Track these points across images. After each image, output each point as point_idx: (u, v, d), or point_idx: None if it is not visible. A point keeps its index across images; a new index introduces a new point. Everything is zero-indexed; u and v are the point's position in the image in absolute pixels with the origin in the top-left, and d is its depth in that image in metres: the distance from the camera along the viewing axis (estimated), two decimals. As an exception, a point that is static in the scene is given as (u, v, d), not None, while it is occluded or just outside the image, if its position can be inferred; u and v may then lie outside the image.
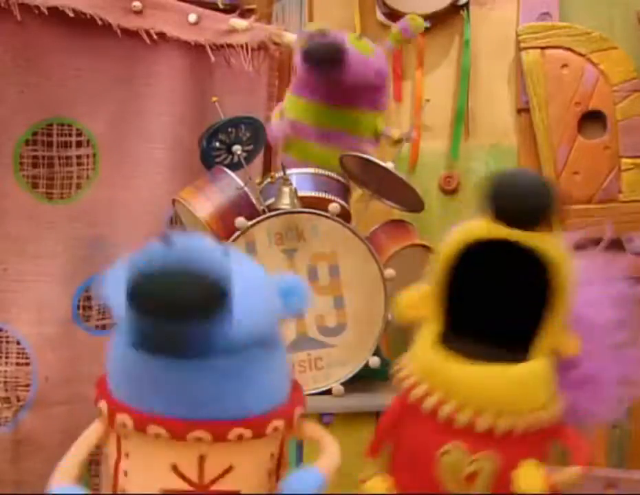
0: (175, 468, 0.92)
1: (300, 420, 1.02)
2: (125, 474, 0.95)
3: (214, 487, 0.93)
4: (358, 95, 1.67)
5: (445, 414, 1.05)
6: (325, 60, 1.56)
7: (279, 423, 0.95)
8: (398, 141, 1.77)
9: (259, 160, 1.83)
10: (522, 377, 1.05)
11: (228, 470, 0.93)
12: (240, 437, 0.91)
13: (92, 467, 1.77)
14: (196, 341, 0.85)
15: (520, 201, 1.03)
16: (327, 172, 1.65)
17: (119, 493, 0.97)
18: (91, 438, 0.98)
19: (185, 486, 0.92)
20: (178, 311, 0.79)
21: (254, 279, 0.95)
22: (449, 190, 2.06)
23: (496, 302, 1.12)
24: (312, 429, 1.06)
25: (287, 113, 1.71)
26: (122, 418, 0.92)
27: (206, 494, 0.92)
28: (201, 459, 0.92)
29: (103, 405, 0.97)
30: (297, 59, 1.65)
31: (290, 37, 1.94)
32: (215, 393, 0.90)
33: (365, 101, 1.69)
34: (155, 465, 0.92)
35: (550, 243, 1.05)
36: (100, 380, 1.01)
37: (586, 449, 1.07)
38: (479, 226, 1.08)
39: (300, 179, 1.61)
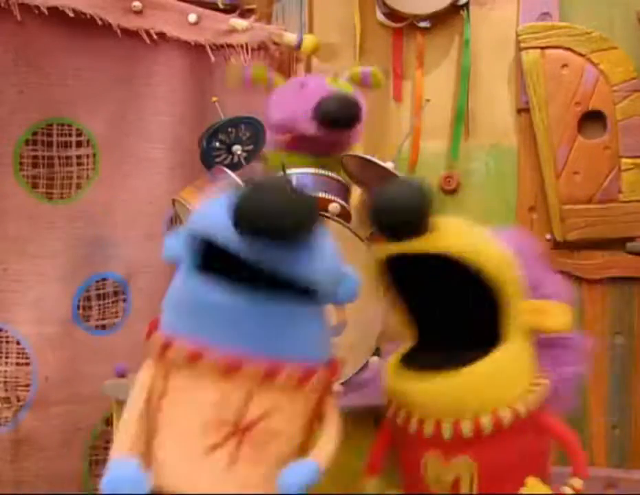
0: (221, 403, 0.92)
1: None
2: (166, 409, 0.95)
3: (257, 426, 0.94)
4: (345, 139, 1.66)
5: (414, 429, 1.08)
6: (349, 122, 1.56)
7: (322, 377, 0.97)
8: None
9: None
10: (475, 377, 1.05)
11: (268, 414, 0.94)
12: (288, 380, 0.93)
13: (92, 467, 1.78)
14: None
15: (395, 217, 1.03)
16: (327, 172, 1.65)
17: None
18: (145, 387, 0.96)
19: (225, 423, 0.93)
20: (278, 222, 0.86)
21: (331, 242, 0.99)
22: (449, 190, 2.06)
23: (446, 308, 1.13)
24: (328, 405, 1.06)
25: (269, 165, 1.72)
26: (178, 348, 0.92)
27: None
28: (248, 397, 0.92)
29: (156, 337, 0.96)
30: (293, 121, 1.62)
31: (290, 37, 1.95)
32: (272, 331, 0.92)
33: (347, 141, 1.68)
34: (200, 399, 0.92)
35: (461, 241, 1.05)
36: (152, 320, 1.00)
37: (578, 448, 1.07)
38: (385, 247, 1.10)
39: (300, 179, 1.61)
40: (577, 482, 1.06)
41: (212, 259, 0.94)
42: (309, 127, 1.59)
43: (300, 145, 1.64)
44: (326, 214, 1.51)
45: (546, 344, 1.13)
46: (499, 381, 1.06)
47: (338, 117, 1.55)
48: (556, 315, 1.08)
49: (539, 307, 1.08)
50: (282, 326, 0.93)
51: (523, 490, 1.06)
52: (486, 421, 1.04)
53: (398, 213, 1.02)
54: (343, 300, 1.02)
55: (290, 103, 1.64)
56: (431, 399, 1.06)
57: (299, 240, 0.89)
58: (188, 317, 0.94)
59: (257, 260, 0.89)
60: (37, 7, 1.63)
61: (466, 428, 1.04)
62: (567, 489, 1.06)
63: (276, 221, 0.86)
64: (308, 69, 2.11)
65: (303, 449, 1.00)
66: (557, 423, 1.09)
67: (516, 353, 1.08)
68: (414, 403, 1.08)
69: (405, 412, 1.10)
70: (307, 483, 0.93)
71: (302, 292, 0.93)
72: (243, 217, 0.87)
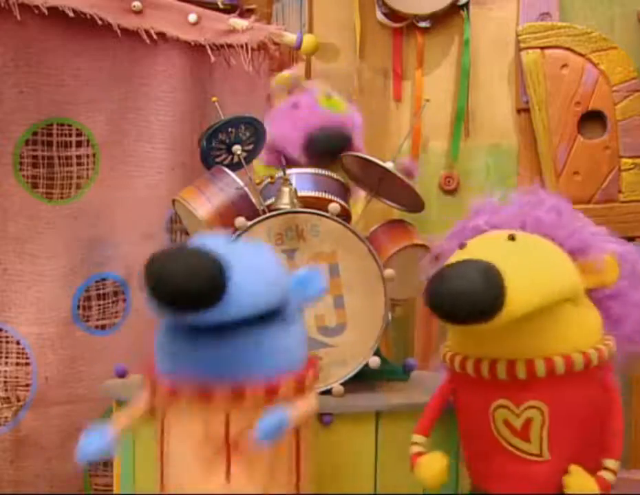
0: (206, 427, 1.02)
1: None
2: (166, 442, 1.07)
3: (242, 443, 1.02)
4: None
5: (485, 373, 1.10)
6: (337, 151, 1.64)
7: (289, 385, 1.05)
8: None
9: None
10: (549, 321, 1.08)
11: (248, 429, 1.00)
12: (255, 396, 1.02)
13: (92, 467, 1.78)
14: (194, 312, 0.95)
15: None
16: (327, 172, 1.65)
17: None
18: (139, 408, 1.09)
19: (214, 444, 1.02)
20: (175, 297, 0.92)
21: (254, 262, 1.04)
22: (449, 190, 2.06)
23: None
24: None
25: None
26: (159, 390, 1.04)
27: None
28: (226, 418, 1.02)
29: (145, 378, 1.08)
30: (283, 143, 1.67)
31: (290, 37, 1.94)
32: (231, 358, 1.01)
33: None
34: (189, 427, 1.03)
35: None
36: (148, 361, 1.10)
37: (621, 426, 1.10)
38: None
39: (300, 179, 1.61)
40: (613, 464, 1.09)
41: None
42: (298, 154, 1.66)
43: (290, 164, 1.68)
44: (326, 214, 1.51)
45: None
46: (571, 327, 1.09)
47: (326, 152, 1.64)
48: (607, 270, 1.14)
49: (590, 267, 1.14)
50: (241, 351, 1.02)
51: (568, 478, 1.08)
52: (559, 361, 1.06)
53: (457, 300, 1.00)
54: (312, 299, 1.11)
55: (281, 125, 1.69)
56: (510, 340, 1.07)
57: (210, 305, 0.94)
58: (164, 358, 1.06)
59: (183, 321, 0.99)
60: (37, 7, 1.64)
61: (540, 369, 1.06)
62: (607, 474, 1.09)
63: (185, 294, 0.91)
64: (308, 69, 2.11)
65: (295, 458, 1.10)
66: (617, 390, 1.12)
67: (584, 308, 1.12)
68: (489, 349, 1.10)
69: (475, 358, 1.12)
70: (276, 430, 0.98)
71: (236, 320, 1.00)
72: (158, 293, 0.92)
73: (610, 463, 1.09)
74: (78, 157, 1.77)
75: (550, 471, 1.10)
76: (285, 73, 1.82)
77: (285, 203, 1.53)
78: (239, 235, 1.51)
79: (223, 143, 1.60)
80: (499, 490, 1.14)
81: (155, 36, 1.77)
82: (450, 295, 0.99)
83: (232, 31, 1.87)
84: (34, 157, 1.73)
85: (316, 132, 1.64)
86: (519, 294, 1.01)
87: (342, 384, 1.48)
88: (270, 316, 1.04)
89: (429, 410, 1.24)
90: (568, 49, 1.98)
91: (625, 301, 1.18)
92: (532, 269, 1.07)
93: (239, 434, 1.02)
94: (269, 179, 1.63)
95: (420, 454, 1.19)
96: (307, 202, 1.57)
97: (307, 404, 1.09)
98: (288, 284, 1.08)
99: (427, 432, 1.22)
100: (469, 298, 0.98)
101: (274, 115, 1.73)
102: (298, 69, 1.87)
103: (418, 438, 1.21)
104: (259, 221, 1.50)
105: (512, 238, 1.12)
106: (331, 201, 1.56)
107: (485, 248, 1.12)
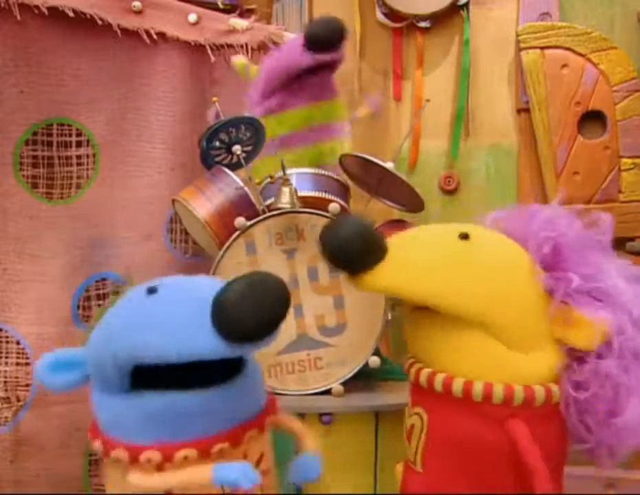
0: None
1: (278, 417, 1.14)
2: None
3: None
4: (322, 85, 1.72)
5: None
6: (337, 40, 1.63)
7: (252, 432, 1.05)
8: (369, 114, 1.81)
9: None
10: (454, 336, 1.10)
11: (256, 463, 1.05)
12: (251, 435, 1.04)
13: (92, 467, 1.78)
14: None
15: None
16: (327, 172, 1.65)
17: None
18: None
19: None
20: None
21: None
22: (449, 190, 2.06)
23: None
24: (290, 420, 1.16)
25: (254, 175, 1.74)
26: (117, 453, 1.01)
27: None
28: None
29: (98, 444, 1.04)
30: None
31: (290, 37, 1.94)
32: (196, 418, 0.99)
33: (327, 89, 1.74)
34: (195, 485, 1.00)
35: None
36: (92, 423, 1.08)
37: (539, 465, 1.01)
38: None
39: (300, 179, 1.61)
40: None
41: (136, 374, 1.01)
42: (303, 58, 1.64)
43: (290, 101, 1.66)
44: (326, 214, 1.51)
45: None
46: (475, 354, 1.08)
47: (326, 36, 1.62)
48: (583, 331, 1.02)
49: (570, 319, 1.04)
50: (201, 412, 1.00)
51: None
52: (438, 378, 1.10)
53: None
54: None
55: (279, 56, 1.70)
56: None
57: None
58: (117, 426, 1.02)
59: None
60: (37, 7, 1.63)
61: (423, 378, 1.12)
62: None
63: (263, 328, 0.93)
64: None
65: None
66: (520, 432, 1.03)
67: (512, 356, 1.08)
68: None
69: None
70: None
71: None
72: (233, 331, 0.92)
73: None
74: (78, 157, 1.77)
75: (422, 484, 1.12)
76: (241, 59, 1.81)
77: (285, 203, 1.53)
78: (238, 235, 1.51)
79: (223, 143, 1.60)
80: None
81: (155, 36, 1.77)
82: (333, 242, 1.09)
83: (232, 31, 1.87)
84: (34, 157, 1.73)
85: (311, 22, 1.68)
86: (397, 266, 1.07)
87: (342, 384, 1.49)
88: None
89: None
90: (568, 49, 1.98)
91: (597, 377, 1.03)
92: (442, 266, 1.08)
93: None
94: (269, 179, 1.63)
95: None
96: (307, 202, 1.57)
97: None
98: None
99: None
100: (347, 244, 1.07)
101: (266, 61, 1.74)
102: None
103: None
104: (259, 221, 1.50)
105: (465, 237, 1.11)
106: (331, 201, 1.56)
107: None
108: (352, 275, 1.10)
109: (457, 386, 1.06)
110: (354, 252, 1.07)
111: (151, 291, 1.03)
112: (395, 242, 1.12)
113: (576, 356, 1.06)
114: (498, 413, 1.05)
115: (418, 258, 1.08)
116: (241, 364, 1.07)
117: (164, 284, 1.05)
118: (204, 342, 0.93)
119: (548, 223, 1.12)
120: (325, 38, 1.62)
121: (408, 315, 1.18)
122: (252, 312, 0.90)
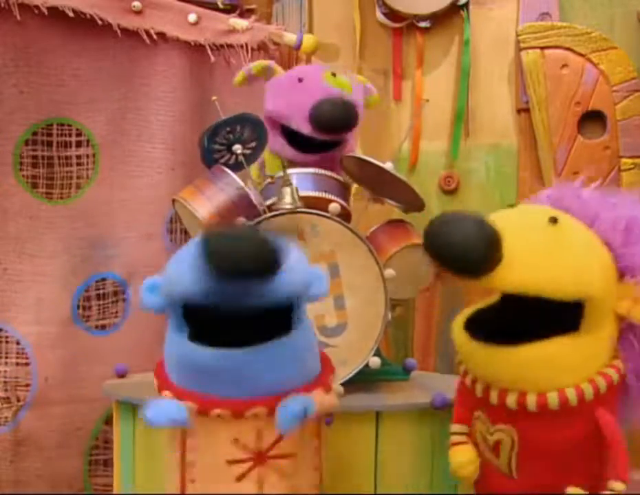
0: (236, 441, 1.03)
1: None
2: (191, 451, 1.06)
3: (272, 453, 1.05)
4: (339, 144, 1.66)
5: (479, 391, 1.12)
6: (343, 128, 1.58)
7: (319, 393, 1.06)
8: None
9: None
10: (526, 359, 1.05)
11: (278, 441, 1.04)
12: (255, 415, 1.02)
13: (92, 467, 1.78)
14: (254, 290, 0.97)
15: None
16: (327, 172, 1.65)
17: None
18: None
19: (247, 455, 1.04)
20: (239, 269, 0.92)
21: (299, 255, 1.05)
22: (449, 190, 2.06)
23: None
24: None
25: (267, 170, 1.73)
26: (187, 404, 1.02)
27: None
28: (259, 431, 1.03)
29: (167, 394, 1.05)
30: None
31: (290, 37, 1.94)
32: (265, 376, 1.01)
33: (342, 145, 1.67)
34: (219, 440, 1.03)
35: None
36: (158, 370, 1.09)
37: (622, 451, 1.05)
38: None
39: (300, 179, 1.61)
40: (619, 486, 1.05)
41: (193, 315, 1.02)
42: (304, 126, 1.59)
43: (291, 139, 1.65)
44: (326, 214, 1.51)
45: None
46: (551, 366, 1.06)
47: (333, 123, 1.56)
48: None
49: (634, 294, 1.06)
50: (271, 368, 1.01)
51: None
52: (530, 399, 1.06)
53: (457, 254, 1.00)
54: (313, 300, 1.08)
55: (286, 97, 1.64)
56: (493, 368, 1.09)
57: (271, 275, 0.96)
58: (189, 377, 1.04)
59: (234, 303, 0.97)
60: (37, 7, 1.64)
61: (511, 401, 1.07)
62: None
63: (250, 260, 0.92)
64: (308, 69, 2.11)
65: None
66: (609, 421, 1.07)
67: (585, 343, 1.08)
68: (479, 371, 1.13)
69: (472, 376, 1.15)
70: (301, 415, 1.00)
71: (279, 314, 1.01)
72: (219, 262, 0.92)
73: (615, 485, 1.06)
74: (78, 157, 1.77)
75: (519, 488, 1.11)
76: (263, 62, 1.77)
77: (285, 203, 1.53)
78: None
79: (223, 143, 1.60)
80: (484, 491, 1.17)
81: (155, 36, 1.77)
82: (445, 244, 1.00)
83: (232, 31, 1.87)
84: (34, 157, 1.73)
85: (321, 101, 1.56)
86: (518, 265, 1.01)
87: (342, 384, 1.48)
88: (297, 308, 1.04)
89: (458, 404, 1.22)
90: (568, 49, 1.98)
91: None
92: (553, 256, 1.04)
93: (271, 446, 1.04)
94: (269, 179, 1.63)
95: (457, 443, 1.19)
96: (307, 202, 1.56)
97: (328, 397, 1.10)
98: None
99: (466, 421, 1.19)
100: (464, 245, 0.98)
101: (276, 88, 1.68)
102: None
103: (456, 427, 1.20)
104: (259, 221, 1.50)
105: (554, 221, 1.06)
106: (331, 201, 1.56)
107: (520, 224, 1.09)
108: (469, 278, 1.03)
109: (553, 401, 1.05)
110: (476, 261, 0.99)
111: None
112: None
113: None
114: (586, 409, 1.07)
115: (528, 253, 1.04)
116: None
117: None
118: (194, 279, 0.96)
119: (617, 204, 1.13)
120: (331, 125, 1.57)
121: (465, 343, 1.14)
122: (235, 243, 0.92)
